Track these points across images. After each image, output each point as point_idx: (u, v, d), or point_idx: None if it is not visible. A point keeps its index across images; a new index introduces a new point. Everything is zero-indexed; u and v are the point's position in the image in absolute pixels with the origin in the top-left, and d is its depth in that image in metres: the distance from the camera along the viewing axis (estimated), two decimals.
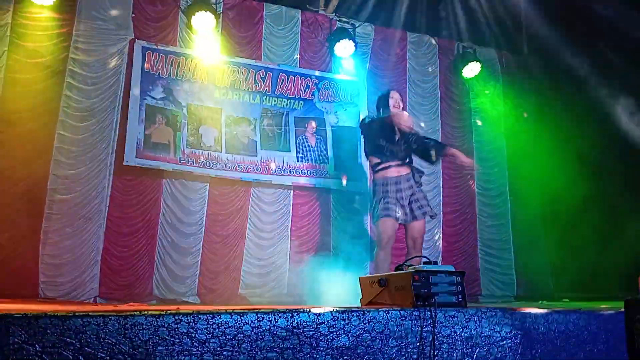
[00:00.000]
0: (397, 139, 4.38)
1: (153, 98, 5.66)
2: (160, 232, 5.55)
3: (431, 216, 4.43)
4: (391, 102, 4.49)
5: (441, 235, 6.75)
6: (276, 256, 5.92)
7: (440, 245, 6.70)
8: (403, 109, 4.60)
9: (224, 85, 5.98)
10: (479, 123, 7.19)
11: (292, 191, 6.14)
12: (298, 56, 6.44)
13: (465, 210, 6.97)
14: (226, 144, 5.86)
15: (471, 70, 7.03)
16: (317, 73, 6.42)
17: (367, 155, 4.58)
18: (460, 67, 7.09)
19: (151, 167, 5.49)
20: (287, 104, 6.26)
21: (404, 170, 4.37)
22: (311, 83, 6.34)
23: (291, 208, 6.11)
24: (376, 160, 4.43)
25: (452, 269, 2.62)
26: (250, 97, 6.09)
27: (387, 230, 4.25)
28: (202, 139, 5.78)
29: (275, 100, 6.20)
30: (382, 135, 4.38)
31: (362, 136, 4.72)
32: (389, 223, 4.24)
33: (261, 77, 6.12)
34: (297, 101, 6.29)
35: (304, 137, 6.22)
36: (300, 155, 6.15)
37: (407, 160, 4.43)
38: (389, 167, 4.35)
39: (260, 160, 5.95)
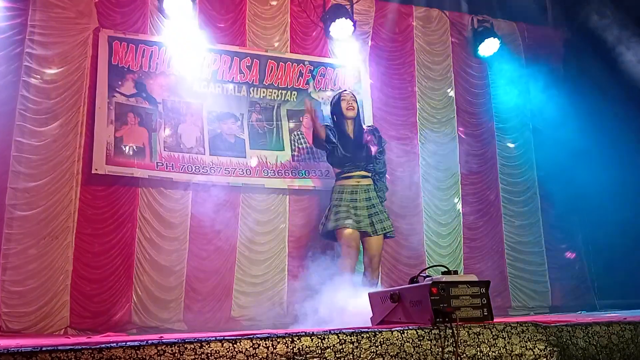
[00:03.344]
0: (354, 147, 4.94)
1: (123, 95, 5.66)
2: (138, 249, 5.54)
3: (390, 236, 4.95)
4: (343, 105, 5.00)
5: (461, 239, 6.75)
6: (272, 271, 5.93)
7: (461, 251, 6.71)
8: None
9: (204, 76, 5.98)
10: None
11: (288, 196, 6.14)
12: (289, 40, 6.44)
13: (489, 209, 6.98)
14: (210, 144, 5.86)
15: (489, 47, 7.03)
16: (311, 58, 6.42)
17: (330, 164, 5.20)
18: (476, 44, 7.10)
19: (124, 175, 5.49)
20: (278, 96, 6.26)
21: (365, 182, 4.91)
22: (305, 70, 6.34)
23: (288, 215, 6.10)
24: (337, 170, 5.07)
25: (475, 278, 2.63)
26: (236, 89, 6.09)
27: (345, 242, 4.74)
28: (182, 140, 5.79)
29: (264, 92, 6.20)
30: (340, 144, 4.97)
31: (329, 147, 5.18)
32: (345, 232, 4.75)
33: (247, 66, 6.12)
34: (289, 92, 6.30)
35: (299, 133, 6.22)
36: (296, 153, 6.16)
37: (371, 172, 4.98)
38: (350, 176, 4.93)
39: (250, 162, 5.95)
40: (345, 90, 5.34)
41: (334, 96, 5.28)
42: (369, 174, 5.00)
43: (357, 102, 5.18)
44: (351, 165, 4.96)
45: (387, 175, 5.31)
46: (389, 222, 4.91)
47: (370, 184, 4.93)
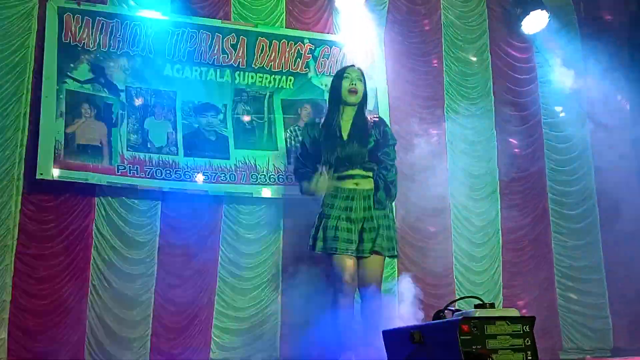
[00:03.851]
0: (349, 142, 4.63)
1: (76, 81, 5.63)
2: (94, 274, 5.51)
3: (390, 255, 4.67)
4: (345, 84, 4.70)
5: (500, 263, 6.71)
6: (262, 303, 5.91)
7: (500, 279, 6.67)
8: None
9: (178, 58, 5.96)
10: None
11: (283, 208, 6.12)
12: (284, 12, 6.41)
13: (535, 225, 6.94)
14: (185, 142, 5.84)
15: (535, 21, 6.99)
16: (312, 35, 6.40)
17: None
18: (519, 18, 7.06)
19: (77, 181, 5.44)
20: (270, 82, 6.24)
21: (367, 184, 4.62)
22: (304, 50, 6.31)
23: (282, 232, 6.08)
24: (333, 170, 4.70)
25: (517, 313, 2.63)
26: (217, 74, 6.07)
27: (338, 272, 4.51)
28: (150, 137, 5.77)
29: (253, 77, 6.18)
30: (329, 145, 4.64)
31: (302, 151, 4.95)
32: (336, 261, 4.52)
33: (232, 45, 6.10)
34: (285, 77, 6.28)
35: (297, 128, 6.19)
36: (294, 155, 6.12)
37: (374, 173, 4.65)
38: (345, 176, 4.63)
39: (235, 165, 5.92)
40: (352, 66, 4.92)
41: (337, 72, 5.04)
42: (371, 175, 4.78)
43: (364, 83, 4.78)
44: (348, 164, 4.65)
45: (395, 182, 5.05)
46: (390, 242, 4.59)
47: (372, 189, 4.67)
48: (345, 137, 4.64)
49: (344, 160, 4.61)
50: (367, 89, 4.88)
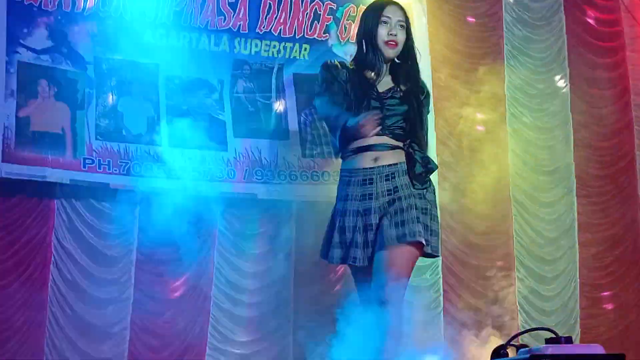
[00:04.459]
0: (380, 94, 4.10)
1: (32, 50, 5.67)
2: (53, 297, 5.54)
3: (429, 254, 3.98)
4: (382, 31, 4.20)
5: (577, 285, 6.71)
6: (268, 336, 5.93)
7: (577, 305, 6.67)
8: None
9: (161, 20, 5.96)
10: None
11: (295, 212, 6.15)
12: None
13: (622, 236, 6.93)
14: (170, 129, 5.86)
15: None
16: None
17: (331, 132, 4.27)
18: None
19: (32, 179, 5.48)
20: (280, 52, 6.27)
21: (391, 158, 4.06)
22: (324, 10, 6.32)
23: (293, 245, 6.10)
24: (345, 139, 4.12)
25: (601, 350, 2.61)
26: (212, 42, 6.10)
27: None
28: (125, 122, 5.80)
29: (257, 45, 6.21)
30: (356, 92, 4.12)
31: (319, 99, 4.45)
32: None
33: (229, 3, 6.10)
34: (298, 45, 6.30)
35: (314, 111, 6.20)
36: (309, 145, 6.17)
37: (403, 136, 4.08)
38: (362, 148, 4.06)
39: (235, 158, 5.96)
40: (390, 3, 4.35)
41: (367, 10, 4.58)
42: (401, 144, 4.32)
43: (407, 30, 4.27)
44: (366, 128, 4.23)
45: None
46: (427, 231, 4.11)
47: (399, 164, 4.21)
48: (379, 89, 4.28)
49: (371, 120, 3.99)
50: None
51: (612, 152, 7.06)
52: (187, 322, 5.79)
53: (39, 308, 5.52)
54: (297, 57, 6.30)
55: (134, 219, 5.81)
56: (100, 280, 5.67)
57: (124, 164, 5.70)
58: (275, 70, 6.24)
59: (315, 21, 6.31)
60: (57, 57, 5.74)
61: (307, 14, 6.29)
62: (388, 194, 4.01)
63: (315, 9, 6.30)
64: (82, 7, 5.81)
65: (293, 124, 6.17)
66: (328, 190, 6.04)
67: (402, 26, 4.11)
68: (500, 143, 6.64)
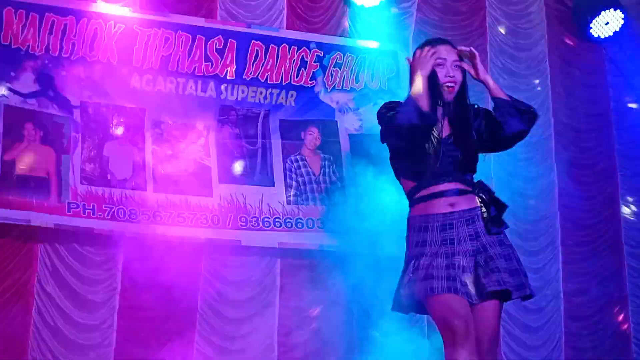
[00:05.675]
0: (449, 135, 3.84)
1: (18, 94, 5.66)
2: (34, 344, 5.48)
3: (522, 297, 3.76)
4: (440, 74, 3.89)
5: (561, 334, 6.68)
6: None
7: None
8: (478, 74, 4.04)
9: (148, 66, 5.99)
10: None
11: (279, 260, 6.12)
12: (284, 9, 6.44)
13: (605, 286, 6.89)
14: (155, 174, 5.87)
15: (606, 23, 7.04)
16: (320, 38, 6.42)
17: (397, 176, 4.07)
18: (586, 18, 7.09)
19: (15, 223, 5.44)
20: (266, 98, 6.28)
21: (465, 203, 3.86)
22: (310, 57, 6.35)
23: (278, 293, 6.07)
24: (411, 183, 3.96)
25: None
26: (199, 87, 6.11)
27: (448, 316, 3.60)
28: (111, 167, 5.79)
29: (244, 91, 6.23)
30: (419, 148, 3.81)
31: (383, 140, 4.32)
32: (444, 300, 3.63)
33: (217, 50, 6.12)
34: (285, 91, 6.32)
35: (299, 157, 6.21)
36: (294, 191, 6.17)
37: (470, 182, 3.90)
38: (435, 195, 3.85)
39: (219, 204, 5.93)
40: (445, 41, 4.04)
41: (426, 45, 4.16)
42: (471, 189, 4.11)
43: (463, 71, 3.92)
44: (437, 173, 4.03)
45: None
46: (516, 277, 3.91)
47: (474, 208, 3.98)
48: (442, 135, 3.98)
49: (440, 170, 3.88)
50: None
51: (595, 201, 7.10)
52: None
53: (19, 355, 5.46)
54: (284, 104, 6.32)
55: (118, 264, 5.77)
56: (83, 326, 5.62)
57: (108, 209, 5.66)
58: (261, 116, 6.25)
59: (302, 68, 6.33)
60: (44, 101, 5.74)
61: (294, 61, 6.31)
62: (471, 239, 3.84)
63: (302, 56, 6.33)
64: (70, 51, 5.82)
65: (278, 171, 6.16)
66: (312, 238, 6.07)
67: (459, 68, 3.82)
68: None
